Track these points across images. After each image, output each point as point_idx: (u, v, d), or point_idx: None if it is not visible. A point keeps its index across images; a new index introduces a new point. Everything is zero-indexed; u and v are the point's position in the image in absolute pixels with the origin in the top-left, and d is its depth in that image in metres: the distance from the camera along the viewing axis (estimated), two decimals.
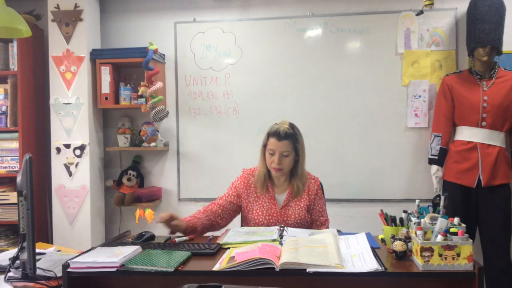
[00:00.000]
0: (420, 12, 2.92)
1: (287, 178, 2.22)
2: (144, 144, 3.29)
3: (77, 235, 3.18)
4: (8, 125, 3.16)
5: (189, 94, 3.39)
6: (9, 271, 1.73)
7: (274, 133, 2.13)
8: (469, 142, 2.79)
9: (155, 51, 3.18)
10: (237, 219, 2.35)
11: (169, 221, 1.98)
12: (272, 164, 2.14)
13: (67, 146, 3.19)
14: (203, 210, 2.21)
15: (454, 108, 2.88)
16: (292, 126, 2.18)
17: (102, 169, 3.42)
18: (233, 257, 1.56)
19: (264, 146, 2.19)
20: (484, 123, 2.75)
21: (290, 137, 2.13)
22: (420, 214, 1.68)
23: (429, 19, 3.16)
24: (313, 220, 2.22)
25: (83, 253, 1.68)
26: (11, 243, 3.09)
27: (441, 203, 1.68)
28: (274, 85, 3.29)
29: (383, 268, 1.45)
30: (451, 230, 1.47)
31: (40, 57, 3.40)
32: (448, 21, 3.16)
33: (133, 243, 1.85)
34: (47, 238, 3.35)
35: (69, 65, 3.19)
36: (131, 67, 3.40)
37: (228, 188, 2.29)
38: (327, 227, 2.22)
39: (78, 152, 3.19)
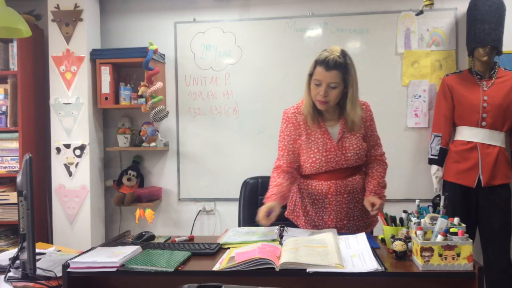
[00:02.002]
0: (420, 12, 2.92)
1: (336, 109, 2.01)
2: (144, 144, 3.29)
3: (77, 235, 3.18)
4: (8, 125, 3.16)
5: (189, 94, 3.38)
6: (9, 271, 1.73)
7: (322, 62, 1.89)
8: (469, 142, 2.79)
9: (155, 51, 3.18)
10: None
11: (271, 218, 1.87)
12: (317, 96, 1.93)
13: (67, 146, 3.19)
14: (278, 175, 2.00)
15: (454, 108, 2.88)
16: (343, 54, 1.92)
17: (102, 169, 3.42)
18: (233, 257, 1.56)
19: (310, 75, 1.96)
20: (484, 123, 2.75)
21: (340, 66, 1.89)
22: (420, 214, 1.68)
23: (429, 19, 3.16)
24: (370, 147, 2.07)
25: (83, 253, 1.68)
26: (11, 243, 3.09)
27: (441, 203, 1.68)
28: (274, 85, 3.29)
29: (383, 268, 1.45)
30: (451, 230, 1.47)
31: (40, 57, 3.40)
32: (448, 21, 3.16)
33: (133, 243, 1.85)
34: (47, 238, 3.35)
35: (69, 65, 3.19)
36: (131, 67, 3.39)
37: (280, 138, 2.07)
38: (383, 151, 2.12)
39: (78, 152, 3.19)
